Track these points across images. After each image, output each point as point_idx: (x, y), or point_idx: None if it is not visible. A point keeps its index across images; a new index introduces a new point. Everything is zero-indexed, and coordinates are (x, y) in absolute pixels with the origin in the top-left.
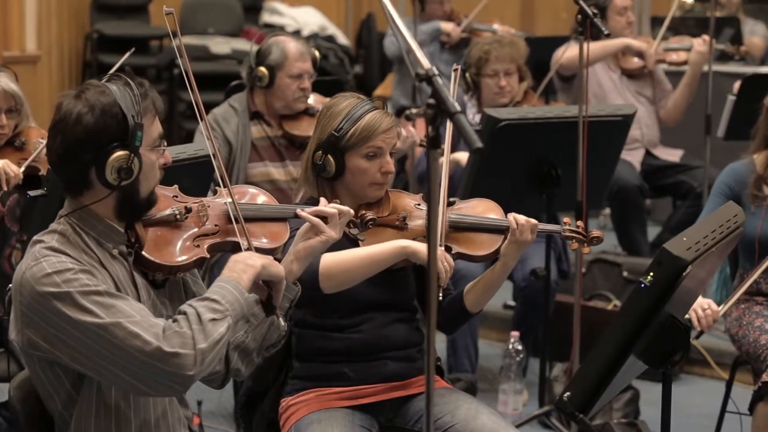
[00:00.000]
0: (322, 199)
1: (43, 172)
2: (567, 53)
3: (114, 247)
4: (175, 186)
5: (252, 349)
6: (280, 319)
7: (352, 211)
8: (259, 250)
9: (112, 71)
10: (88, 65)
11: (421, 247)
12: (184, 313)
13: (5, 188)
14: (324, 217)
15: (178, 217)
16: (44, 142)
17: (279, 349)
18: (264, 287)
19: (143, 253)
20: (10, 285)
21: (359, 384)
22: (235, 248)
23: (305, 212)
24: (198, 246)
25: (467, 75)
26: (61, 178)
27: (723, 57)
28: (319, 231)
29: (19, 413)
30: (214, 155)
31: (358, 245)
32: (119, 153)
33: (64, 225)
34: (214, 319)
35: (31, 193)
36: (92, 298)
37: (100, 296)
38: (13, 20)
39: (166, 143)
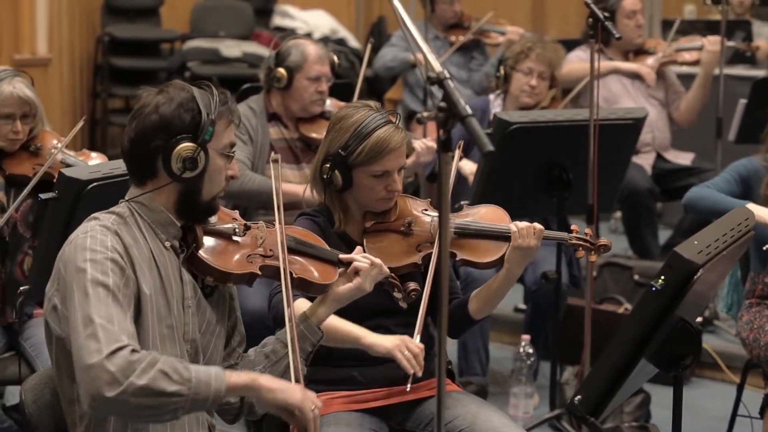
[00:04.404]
0: (358, 248)
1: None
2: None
3: (167, 239)
4: (236, 211)
5: None
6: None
7: (386, 269)
8: (295, 280)
9: None
10: (99, 68)
11: (376, 340)
12: (150, 353)
13: None
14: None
15: (237, 231)
16: (59, 146)
17: None
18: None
19: (199, 254)
20: (21, 288)
21: (369, 387)
22: (280, 274)
23: (347, 256)
24: (251, 263)
25: (501, 67)
26: (128, 164)
27: (735, 56)
28: (352, 277)
29: (30, 415)
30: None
31: (393, 300)
32: (187, 144)
33: (123, 208)
34: (166, 375)
35: (42, 196)
36: (98, 289)
37: (105, 290)
38: (24, 23)
39: (235, 154)
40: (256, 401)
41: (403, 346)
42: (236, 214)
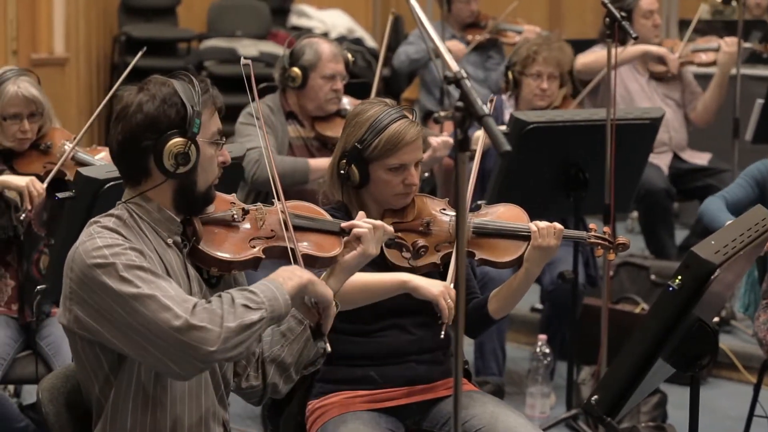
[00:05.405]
0: (361, 213)
1: (69, 176)
2: (581, 59)
3: (169, 236)
4: (234, 194)
5: (289, 363)
6: (327, 345)
7: (390, 228)
8: (305, 255)
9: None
10: (116, 68)
11: (422, 283)
12: (219, 296)
13: (29, 207)
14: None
15: (236, 217)
16: (70, 145)
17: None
18: (315, 312)
19: (200, 246)
20: (38, 287)
21: (385, 387)
22: (285, 254)
23: (348, 223)
24: (254, 247)
25: (509, 73)
26: (119, 166)
27: (752, 57)
28: (356, 244)
29: (47, 415)
30: (269, 166)
31: (403, 268)
32: (177, 139)
33: (122, 210)
34: (247, 306)
35: (59, 195)
36: (135, 272)
37: (142, 271)
38: (42, 23)
39: (224, 140)
40: (292, 299)
41: (446, 294)
42: (234, 197)
